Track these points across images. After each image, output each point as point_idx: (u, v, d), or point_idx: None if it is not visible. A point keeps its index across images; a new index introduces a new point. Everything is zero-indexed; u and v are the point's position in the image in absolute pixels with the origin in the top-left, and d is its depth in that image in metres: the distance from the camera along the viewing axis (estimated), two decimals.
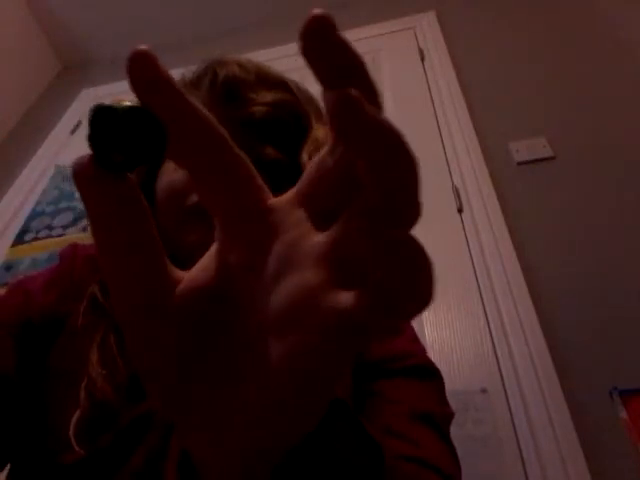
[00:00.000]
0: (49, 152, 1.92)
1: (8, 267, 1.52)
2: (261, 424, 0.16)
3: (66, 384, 0.42)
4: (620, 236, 1.17)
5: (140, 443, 0.38)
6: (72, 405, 0.40)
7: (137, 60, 0.16)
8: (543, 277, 1.15)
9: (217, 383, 0.17)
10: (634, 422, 0.91)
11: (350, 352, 0.15)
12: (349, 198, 0.15)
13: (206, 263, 0.19)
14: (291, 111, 0.51)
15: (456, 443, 0.43)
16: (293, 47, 1.91)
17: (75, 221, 1.59)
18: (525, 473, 0.89)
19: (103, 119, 0.15)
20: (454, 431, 0.44)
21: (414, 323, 0.55)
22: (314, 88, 0.57)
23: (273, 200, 0.18)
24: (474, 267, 1.19)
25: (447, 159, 1.43)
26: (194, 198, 0.47)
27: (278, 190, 0.55)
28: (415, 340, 0.51)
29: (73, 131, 2.00)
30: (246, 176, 0.18)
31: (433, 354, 0.50)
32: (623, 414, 0.92)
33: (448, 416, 0.45)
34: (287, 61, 1.84)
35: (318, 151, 0.56)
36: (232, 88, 0.50)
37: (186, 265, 0.49)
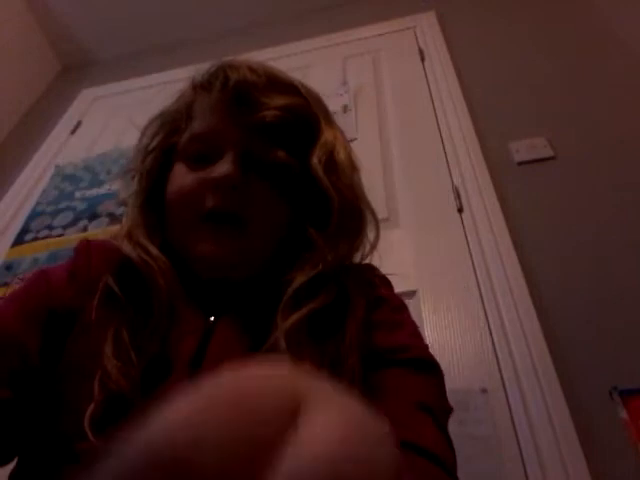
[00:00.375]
0: (49, 152, 1.92)
1: (8, 267, 1.52)
2: None
3: (81, 376, 0.43)
4: (620, 236, 1.17)
5: None
6: (86, 397, 0.40)
7: None
8: (543, 277, 1.15)
9: None
10: (634, 422, 0.91)
11: None
12: None
13: None
14: (302, 115, 0.52)
15: (456, 443, 0.43)
16: (294, 46, 1.91)
17: (75, 221, 1.59)
18: (525, 473, 0.89)
19: None
20: (454, 431, 0.44)
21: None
22: (316, 88, 0.57)
23: None
24: (474, 267, 1.19)
25: (447, 159, 1.43)
26: (209, 202, 0.48)
27: (287, 194, 0.56)
28: (416, 335, 0.51)
29: (73, 131, 2.00)
30: None
31: (433, 354, 0.50)
32: (623, 414, 0.92)
33: (446, 410, 0.45)
34: (288, 60, 1.84)
35: (328, 155, 0.56)
36: (243, 92, 0.50)
37: (196, 272, 0.49)
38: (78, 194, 1.69)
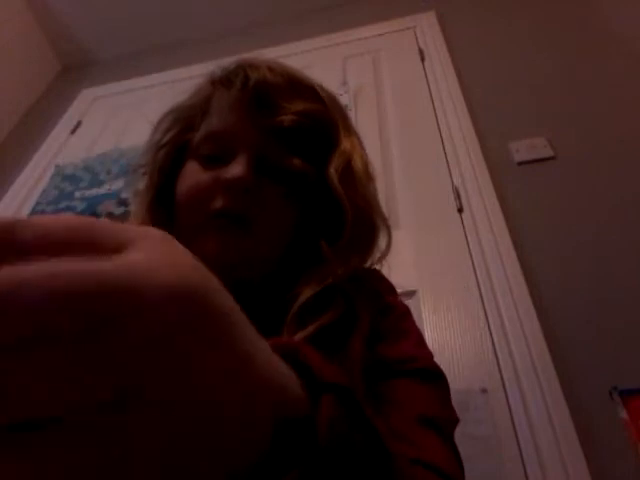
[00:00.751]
0: (49, 152, 1.92)
1: None
2: None
3: None
4: (620, 236, 1.17)
5: None
6: None
7: None
8: (543, 277, 1.15)
9: None
10: (634, 422, 0.91)
11: None
12: None
13: None
14: (320, 122, 0.51)
15: (456, 443, 0.43)
16: (294, 46, 1.91)
17: None
18: (525, 473, 0.89)
19: None
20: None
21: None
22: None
23: None
24: (474, 267, 1.19)
25: (447, 159, 1.43)
26: (219, 203, 0.47)
27: (299, 201, 0.54)
28: (421, 344, 0.50)
29: (73, 131, 2.00)
30: None
31: (433, 354, 0.50)
32: (623, 414, 0.92)
33: (452, 421, 0.44)
34: (287, 60, 1.84)
35: (345, 164, 0.55)
36: (263, 93, 0.49)
37: None
38: (78, 194, 1.69)
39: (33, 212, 1.68)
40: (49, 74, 2.34)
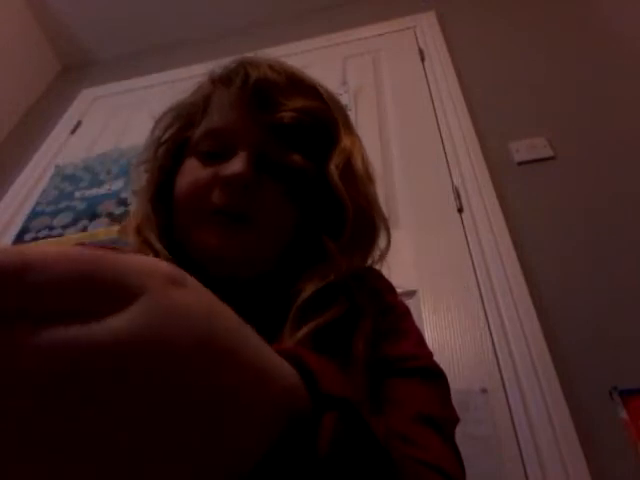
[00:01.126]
0: (49, 152, 1.92)
1: None
2: None
3: None
4: (620, 236, 1.17)
5: None
6: None
7: None
8: (543, 277, 1.15)
9: None
10: (634, 422, 0.91)
11: None
12: None
13: None
14: (321, 119, 0.51)
15: (456, 442, 0.43)
16: (294, 46, 1.91)
17: (75, 221, 1.59)
18: (525, 473, 0.89)
19: None
20: None
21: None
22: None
23: None
24: (474, 267, 1.19)
25: (447, 159, 1.43)
26: (218, 199, 0.47)
27: (302, 199, 0.54)
28: (421, 344, 0.50)
29: (73, 131, 2.00)
30: None
31: (433, 354, 0.50)
32: (623, 414, 0.92)
33: (453, 420, 0.44)
34: (287, 60, 1.84)
35: (345, 162, 0.55)
36: (263, 90, 0.49)
37: (200, 266, 0.48)
38: (78, 194, 1.69)
39: (33, 212, 1.68)
40: (49, 74, 2.34)
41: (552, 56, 1.62)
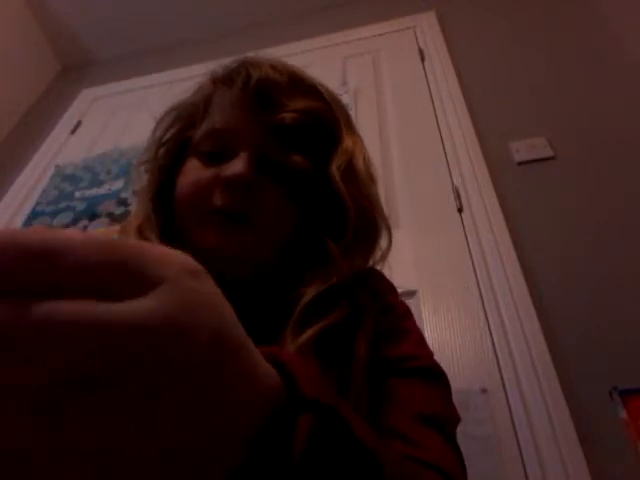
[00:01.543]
0: (49, 152, 1.92)
1: None
2: None
3: None
4: (620, 236, 1.17)
5: None
6: None
7: None
8: (543, 277, 1.15)
9: None
10: (634, 422, 0.91)
11: None
12: None
13: None
14: (322, 119, 0.51)
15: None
16: (294, 46, 1.91)
17: (75, 221, 1.59)
18: (525, 473, 0.89)
19: None
20: None
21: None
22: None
23: None
24: (474, 267, 1.19)
25: (447, 159, 1.43)
26: (218, 200, 0.47)
27: (304, 200, 0.54)
28: (422, 343, 0.50)
29: (73, 131, 2.00)
30: None
31: (434, 354, 0.50)
32: (623, 414, 0.92)
33: (453, 419, 0.44)
34: (287, 60, 1.84)
35: (347, 162, 0.54)
36: (264, 91, 0.49)
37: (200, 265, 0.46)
38: (78, 194, 1.69)
39: (33, 212, 1.68)
40: (49, 74, 2.34)
41: (552, 56, 1.62)
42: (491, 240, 1.22)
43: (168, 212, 0.52)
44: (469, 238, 1.24)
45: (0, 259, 0.15)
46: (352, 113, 1.65)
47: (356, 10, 2.06)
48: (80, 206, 1.64)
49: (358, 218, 0.49)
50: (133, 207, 0.58)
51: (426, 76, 1.69)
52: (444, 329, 1.10)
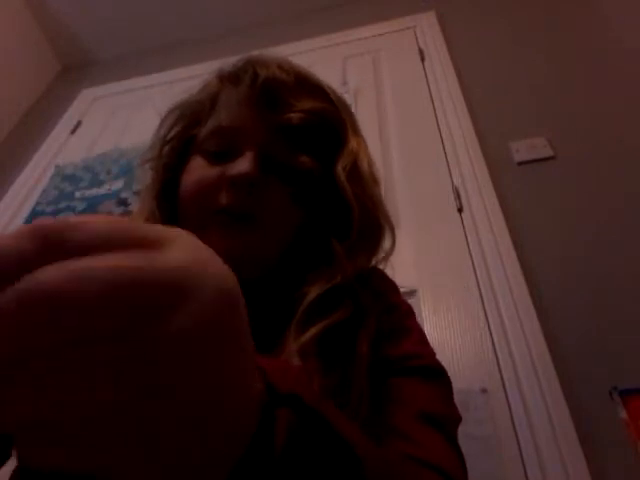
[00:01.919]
0: (49, 152, 1.92)
1: None
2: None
3: None
4: (620, 236, 1.17)
5: None
6: None
7: None
8: (543, 277, 1.15)
9: None
10: (634, 422, 0.91)
11: None
12: None
13: None
14: (329, 120, 0.51)
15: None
16: (294, 46, 1.91)
17: None
18: (525, 473, 0.89)
19: None
20: None
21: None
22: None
23: None
24: (474, 267, 1.19)
25: (447, 159, 1.43)
26: (223, 199, 0.46)
27: (309, 200, 0.54)
28: (424, 342, 0.50)
29: (73, 131, 2.00)
30: None
31: (435, 353, 0.50)
32: (623, 414, 0.92)
33: (455, 419, 0.44)
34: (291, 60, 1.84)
35: (352, 164, 0.54)
36: (271, 90, 0.49)
37: None
38: (78, 194, 1.69)
39: (33, 212, 1.68)
40: (49, 74, 2.34)
41: (552, 56, 1.62)
42: (491, 240, 1.22)
43: (172, 210, 0.52)
44: (469, 238, 1.24)
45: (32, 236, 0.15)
46: None
47: (356, 10, 2.06)
48: (80, 206, 1.64)
49: (362, 218, 0.49)
50: (137, 205, 0.58)
51: (426, 76, 1.69)
52: (444, 329, 1.10)
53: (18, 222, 1.66)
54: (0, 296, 0.14)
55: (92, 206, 1.62)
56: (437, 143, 1.48)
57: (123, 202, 1.59)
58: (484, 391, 0.99)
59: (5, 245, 0.15)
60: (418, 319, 0.53)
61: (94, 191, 1.67)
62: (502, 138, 1.44)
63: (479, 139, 1.44)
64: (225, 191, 0.47)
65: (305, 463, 0.23)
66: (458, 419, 0.45)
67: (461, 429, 0.44)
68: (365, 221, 0.50)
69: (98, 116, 2.03)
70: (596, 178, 1.29)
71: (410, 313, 0.53)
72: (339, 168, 0.50)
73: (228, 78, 0.53)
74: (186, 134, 0.54)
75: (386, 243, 0.54)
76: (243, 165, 0.46)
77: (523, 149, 1.40)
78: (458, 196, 1.34)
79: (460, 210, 1.31)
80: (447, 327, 1.10)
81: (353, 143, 0.52)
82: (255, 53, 0.55)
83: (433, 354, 0.49)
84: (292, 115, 0.48)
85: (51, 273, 0.15)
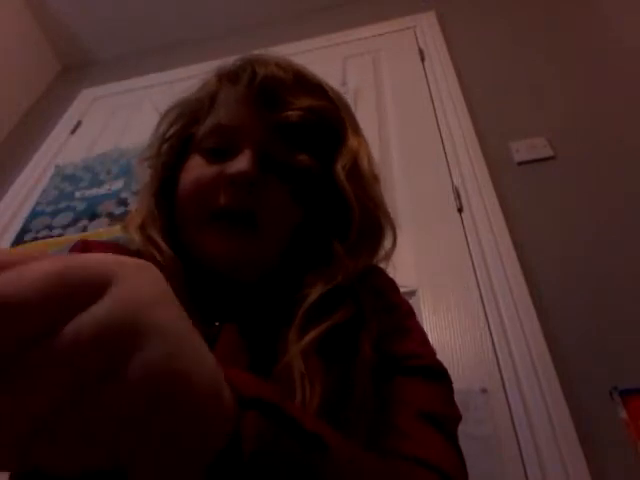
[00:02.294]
0: (49, 152, 1.92)
1: None
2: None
3: None
4: (620, 236, 1.17)
5: None
6: None
7: None
8: (543, 277, 1.15)
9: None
10: (634, 422, 0.91)
11: None
12: None
13: None
14: (327, 118, 0.50)
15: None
16: (294, 46, 1.91)
17: (75, 221, 1.59)
18: (525, 473, 0.89)
19: None
20: None
21: None
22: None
23: None
24: (474, 267, 1.19)
25: (447, 159, 1.43)
26: (222, 199, 0.46)
27: (308, 199, 0.54)
28: (425, 342, 0.50)
29: (73, 131, 2.00)
30: None
31: (436, 353, 0.49)
32: (623, 414, 0.92)
33: (455, 418, 0.44)
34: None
35: (352, 162, 0.54)
36: (270, 89, 0.49)
37: (204, 268, 0.48)
38: (78, 194, 1.69)
39: (33, 212, 1.68)
40: (49, 74, 2.34)
41: (552, 56, 1.62)
42: (491, 240, 1.22)
43: (171, 209, 0.51)
44: (469, 238, 1.24)
45: None
46: None
47: (356, 10, 2.06)
48: (80, 206, 1.64)
49: (363, 218, 0.49)
50: (136, 203, 0.58)
51: (426, 76, 1.69)
52: (444, 329, 1.10)
53: (18, 222, 1.66)
54: None
55: (92, 206, 1.62)
56: (437, 143, 1.48)
57: (123, 202, 1.59)
58: (484, 391, 0.98)
59: None
60: (418, 319, 0.53)
61: (94, 191, 1.67)
62: (502, 138, 1.44)
63: (479, 139, 1.44)
64: (224, 190, 0.46)
65: (274, 459, 0.24)
66: (458, 418, 0.45)
67: (461, 429, 0.44)
68: (365, 221, 0.49)
69: (98, 116, 2.03)
70: (596, 178, 1.29)
71: (410, 313, 0.53)
72: (338, 167, 0.50)
73: (227, 77, 0.53)
74: (185, 132, 0.54)
75: (387, 242, 0.53)
76: (242, 164, 0.46)
77: (523, 149, 1.39)
78: (458, 196, 1.34)
79: (460, 210, 1.31)
80: (447, 327, 1.10)
81: (353, 142, 0.52)
82: (254, 52, 0.55)
83: (434, 354, 0.49)
84: (290, 113, 0.48)
85: None
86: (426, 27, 1.86)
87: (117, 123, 1.94)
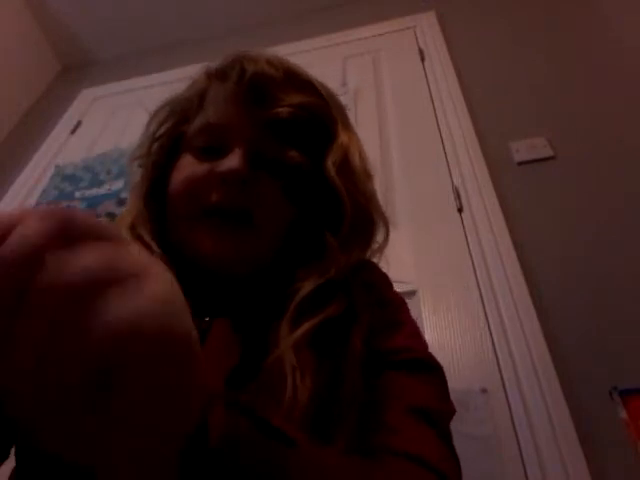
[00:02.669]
0: (49, 152, 1.92)
1: None
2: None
3: None
4: (620, 236, 1.17)
5: None
6: None
7: None
8: (543, 277, 1.15)
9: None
10: (634, 422, 0.91)
11: None
12: None
13: None
14: (318, 115, 0.50)
15: (456, 443, 0.42)
16: (294, 46, 1.91)
17: None
18: (525, 473, 0.89)
19: None
20: (454, 430, 0.44)
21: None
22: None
23: None
24: (474, 267, 1.19)
25: (447, 159, 1.43)
26: (214, 197, 0.46)
27: (299, 195, 0.54)
28: (415, 335, 0.50)
29: (73, 131, 2.00)
30: None
31: (433, 354, 0.49)
32: (623, 414, 0.92)
33: (447, 412, 0.44)
34: (290, 60, 1.83)
35: (342, 158, 0.55)
36: (259, 85, 0.49)
37: (195, 263, 0.49)
38: (78, 194, 1.69)
39: None
40: (49, 74, 2.34)
41: (552, 56, 1.62)
42: (491, 240, 1.22)
43: (161, 209, 0.51)
44: (469, 238, 1.24)
45: None
46: (352, 113, 1.65)
47: (356, 10, 2.06)
48: (80, 206, 1.64)
49: (354, 213, 0.49)
50: (127, 203, 0.58)
51: (426, 76, 1.69)
52: (444, 329, 1.10)
53: None
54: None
55: (92, 206, 1.62)
56: (437, 143, 1.48)
57: (123, 202, 1.59)
58: (484, 391, 0.98)
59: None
60: (418, 320, 0.53)
61: (94, 191, 1.67)
62: (502, 138, 1.44)
63: (479, 139, 1.44)
64: (215, 188, 0.46)
65: (240, 447, 0.25)
66: (451, 412, 0.44)
67: (461, 429, 0.44)
68: (357, 215, 0.49)
69: (98, 116, 2.03)
70: (596, 178, 1.29)
71: (403, 306, 0.53)
72: (329, 163, 0.50)
73: (216, 74, 0.53)
74: (175, 131, 0.54)
75: (380, 238, 0.54)
76: (233, 162, 0.46)
77: (523, 149, 1.39)
78: (458, 196, 1.34)
79: (460, 210, 1.31)
80: (447, 327, 1.10)
81: (343, 138, 0.52)
82: (244, 50, 0.54)
83: (426, 347, 0.49)
84: (280, 110, 0.48)
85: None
86: (426, 27, 1.86)
87: (117, 123, 1.94)
